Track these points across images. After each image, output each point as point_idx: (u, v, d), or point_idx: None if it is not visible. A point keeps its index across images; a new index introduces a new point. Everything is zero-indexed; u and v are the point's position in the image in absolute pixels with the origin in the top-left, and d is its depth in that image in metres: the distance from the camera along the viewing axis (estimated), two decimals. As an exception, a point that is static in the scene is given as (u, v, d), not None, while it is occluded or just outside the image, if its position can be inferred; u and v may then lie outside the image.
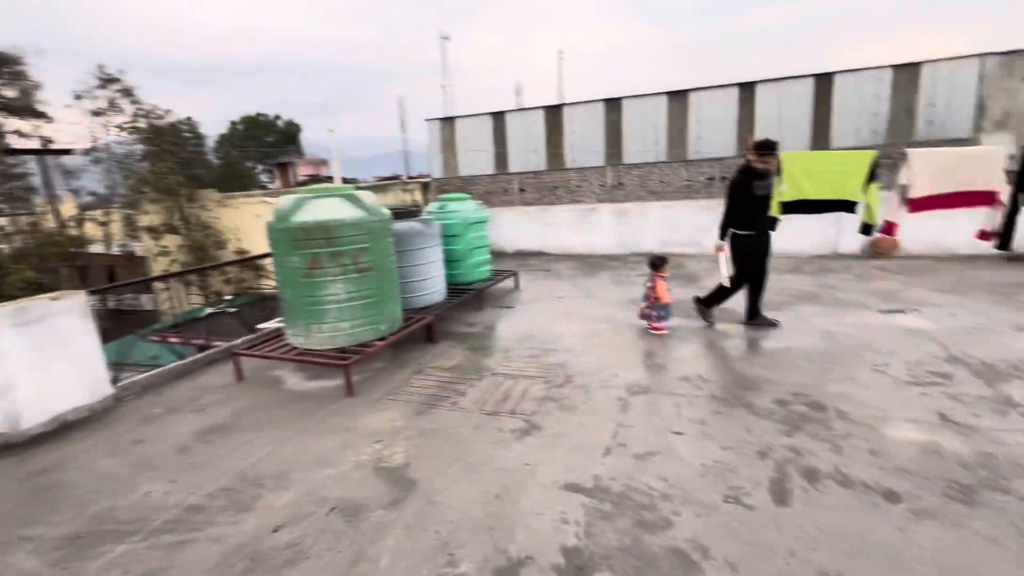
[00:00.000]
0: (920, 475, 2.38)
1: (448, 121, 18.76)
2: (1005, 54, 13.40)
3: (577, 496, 2.36)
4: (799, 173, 4.22)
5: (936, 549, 1.92)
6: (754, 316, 4.73)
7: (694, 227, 8.95)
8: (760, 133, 16.76)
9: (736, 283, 4.64)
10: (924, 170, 4.15)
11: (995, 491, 2.24)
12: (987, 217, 4.48)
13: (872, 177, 4.19)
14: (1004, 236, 4.36)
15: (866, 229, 4.48)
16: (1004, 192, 4.29)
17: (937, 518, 2.09)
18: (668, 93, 18.44)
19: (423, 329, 4.73)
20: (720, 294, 4.77)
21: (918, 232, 7.34)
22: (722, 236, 4.57)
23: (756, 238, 4.46)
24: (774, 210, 4.33)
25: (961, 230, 6.06)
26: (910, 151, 4.36)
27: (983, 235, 4.56)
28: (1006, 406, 3.00)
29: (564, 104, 20.11)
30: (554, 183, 20.82)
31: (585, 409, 3.25)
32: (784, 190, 4.24)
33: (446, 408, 3.39)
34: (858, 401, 3.15)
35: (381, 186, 18.93)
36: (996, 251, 6.96)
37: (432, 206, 6.29)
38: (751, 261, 4.56)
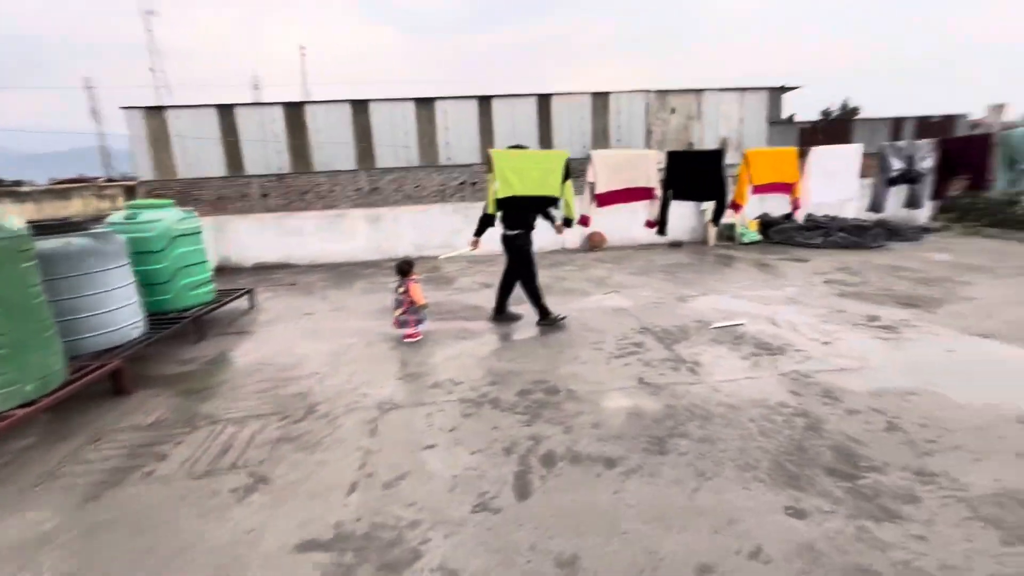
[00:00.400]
0: (628, 437, 2.76)
1: (156, 111, 15.31)
2: (659, 92, 17.78)
3: (312, 555, 1.98)
4: (509, 171, 4.49)
5: (640, 504, 2.20)
6: (545, 314, 4.84)
7: (449, 229, 9.25)
8: (498, 144, 18.47)
9: (510, 281, 4.88)
10: (603, 169, 4.96)
11: (677, 437, 2.74)
12: (649, 209, 5.51)
13: (567, 175, 4.60)
14: (661, 224, 5.51)
15: (566, 222, 4.87)
16: (658, 188, 5.40)
17: (640, 473, 2.42)
18: (416, 100, 18.77)
19: (106, 379, 3.56)
20: (503, 293, 4.95)
21: (616, 226, 9.05)
22: (478, 233, 4.78)
23: (525, 236, 4.71)
24: (490, 207, 4.56)
25: (641, 223, 7.67)
26: (592, 152, 5.19)
27: (649, 224, 5.58)
28: (678, 363, 3.79)
29: (307, 102, 18.58)
30: (303, 188, 19.15)
31: (328, 443, 2.85)
32: (497, 187, 4.47)
33: (136, 482, 2.55)
34: (583, 379, 3.57)
35: (60, 191, 14.33)
36: (664, 239, 8.98)
37: (116, 216, 4.87)
38: (526, 259, 4.77)
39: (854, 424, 2.82)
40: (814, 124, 19.29)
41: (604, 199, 5.01)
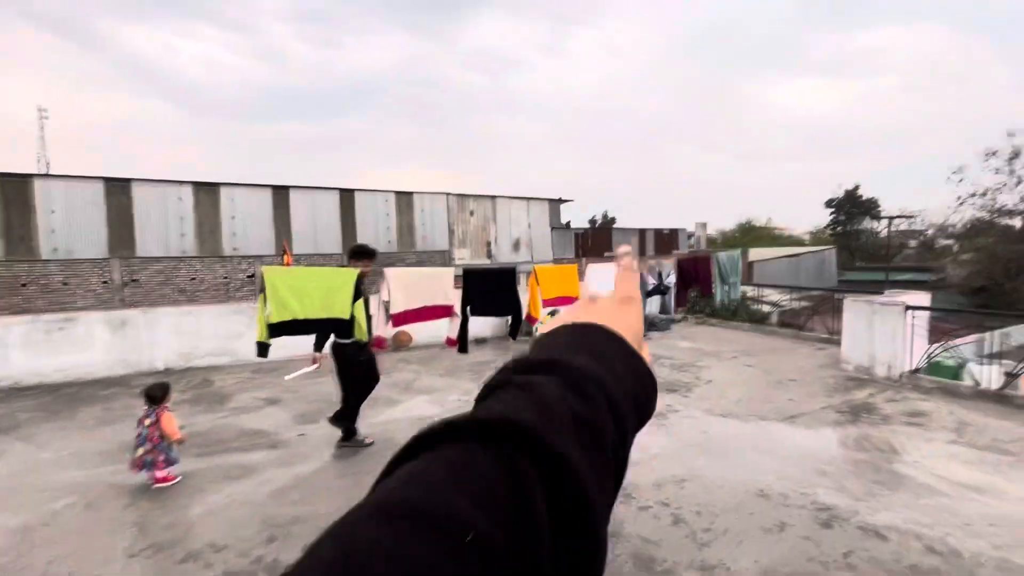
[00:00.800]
0: None
1: None
2: (459, 196, 19.29)
3: None
4: (286, 291, 3.98)
5: None
6: (351, 435, 4.26)
7: (227, 334, 7.91)
8: (296, 236, 17.39)
9: (349, 396, 4.24)
10: (398, 288, 4.60)
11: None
12: (449, 327, 5.30)
13: (359, 294, 4.18)
14: (462, 341, 5.34)
15: (359, 345, 4.32)
16: (457, 306, 5.12)
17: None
18: (195, 183, 16.72)
19: None
20: (345, 412, 4.25)
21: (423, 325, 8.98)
22: (318, 347, 4.10)
23: (362, 346, 4.21)
24: (260, 335, 3.96)
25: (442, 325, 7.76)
26: (387, 271, 4.76)
27: (450, 342, 5.33)
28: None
29: (36, 175, 15.06)
30: (23, 279, 14.71)
31: None
32: (270, 311, 3.89)
33: None
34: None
35: None
36: (469, 337, 9.18)
37: None
38: (359, 371, 4.24)
39: (647, 523, 2.99)
40: (585, 231, 23.10)
41: (400, 319, 4.67)
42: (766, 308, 13.14)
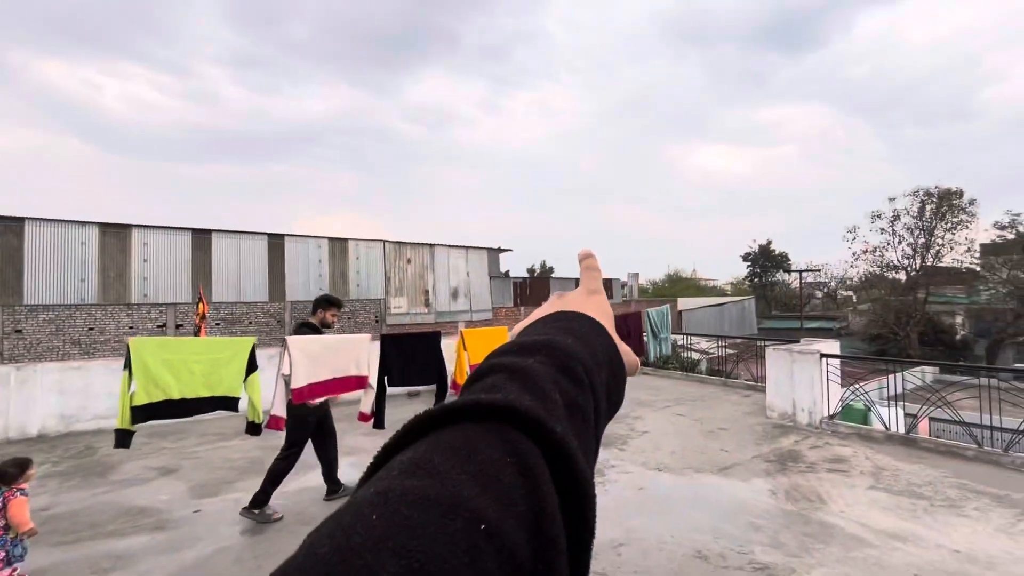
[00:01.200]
0: None
1: None
2: (396, 243, 18.99)
3: None
4: (158, 365, 3.41)
5: None
6: (260, 503, 3.83)
7: (120, 392, 6.98)
8: (218, 282, 16.28)
9: (289, 456, 3.95)
10: (301, 359, 3.84)
11: None
12: (363, 400, 4.55)
13: (252, 367, 3.76)
14: (378, 415, 4.69)
15: (253, 429, 3.87)
16: (372, 376, 4.46)
17: None
18: (103, 224, 15.38)
19: None
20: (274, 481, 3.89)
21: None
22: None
23: (316, 406, 3.99)
24: (122, 420, 3.40)
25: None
26: (288, 339, 3.99)
27: (363, 417, 4.60)
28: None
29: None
30: None
31: None
32: (135, 390, 3.35)
33: None
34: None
35: None
36: (402, 389, 8.73)
37: None
38: (305, 431, 4.01)
39: (582, 597, 2.76)
40: (524, 279, 23.35)
41: (303, 393, 3.87)
42: (695, 356, 13.61)
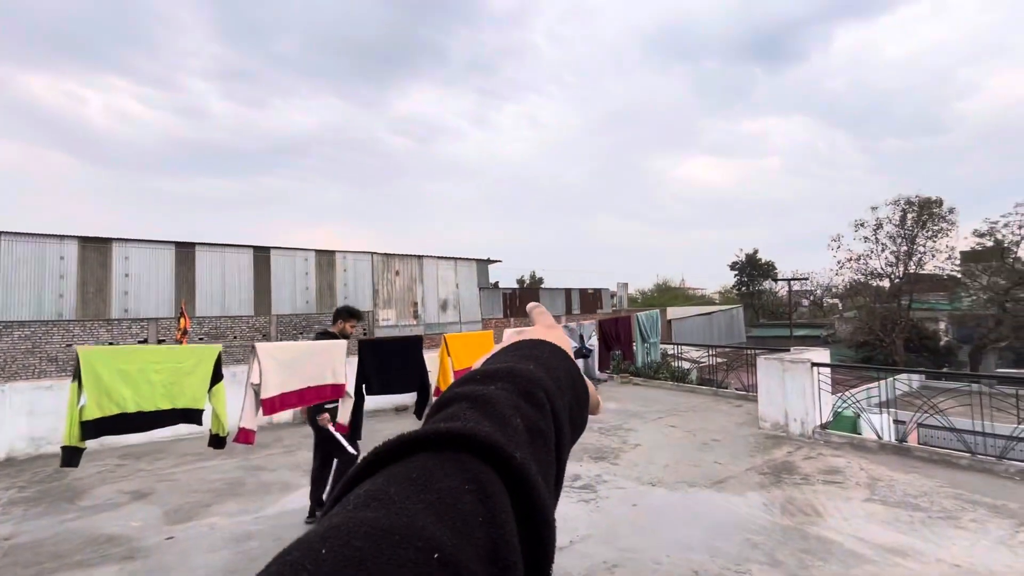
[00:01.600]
0: None
1: None
2: (384, 255, 18.82)
3: None
4: (111, 376, 3.18)
5: None
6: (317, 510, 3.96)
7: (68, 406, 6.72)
8: (202, 296, 15.98)
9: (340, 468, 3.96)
10: (271, 367, 3.62)
11: None
12: (341, 408, 4.19)
13: (218, 376, 3.54)
14: (355, 426, 4.24)
15: (217, 442, 3.65)
16: (349, 384, 4.24)
17: None
18: (82, 238, 15.06)
19: None
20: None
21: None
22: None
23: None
24: (70, 437, 3.14)
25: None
26: (258, 346, 3.77)
27: (339, 428, 4.20)
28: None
29: None
30: None
31: None
32: (85, 403, 3.11)
33: None
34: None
35: None
36: (391, 402, 8.52)
37: None
38: (325, 439, 4.00)
39: (575, 625, 2.63)
40: (513, 290, 23.26)
41: (274, 404, 3.64)
42: (686, 365, 13.57)
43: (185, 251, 16.03)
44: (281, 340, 15.52)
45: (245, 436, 3.55)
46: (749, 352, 10.87)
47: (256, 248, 16.85)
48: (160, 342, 15.93)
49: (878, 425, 6.26)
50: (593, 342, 6.56)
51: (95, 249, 15.23)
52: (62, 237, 14.73)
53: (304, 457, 5.96)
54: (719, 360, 11.84)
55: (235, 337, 15.70)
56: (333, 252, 17.97)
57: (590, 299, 25.13)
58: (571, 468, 5.24)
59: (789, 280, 29.50)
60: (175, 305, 15.78)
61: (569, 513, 4.07)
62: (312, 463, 4.12)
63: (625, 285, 31.63)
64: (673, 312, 27.71)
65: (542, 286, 33.80)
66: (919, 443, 6.62)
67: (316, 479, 4.04)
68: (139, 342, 15.62)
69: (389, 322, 18.35)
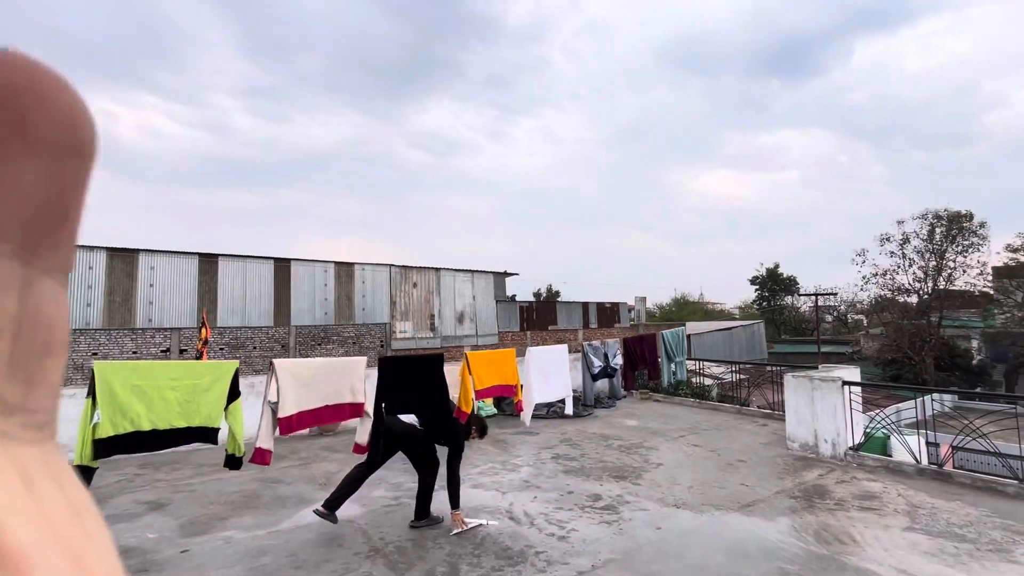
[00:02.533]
0: None
1: None
2: (401, 267, 18.93)
3: None
4: (127, 392, 3.14)
5: None
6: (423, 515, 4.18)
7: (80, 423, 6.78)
8: (223, 306, 16.23)
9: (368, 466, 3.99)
10: (290, 384, 3.59)
11: None
12: (360, 428, 4.19)
13: (234, 394, 3.49)
14: (373, 447, 4.06)
15: (233, 463, 3.61)
16: (368, 403, 4.16)
17: None
18: (110, 249, 15.47)
19: None
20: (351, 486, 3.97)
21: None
22: (455, 505, 4.14)
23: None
24: (81, 456, 3.08)
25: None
26: (276, 362, 3.73)
27: (358, 449, 4.21)
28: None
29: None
30: None
31: None
32: (99, 421, 3.08)
33: None
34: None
35: None
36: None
37: None
38: (376, 442, 4.02)
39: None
40: (530, 304, 23.15)
41: (292, 423, 3.60)
42: (707, 382, 13.26)
43: (208, 261, 16.34)
44: (300, 351, 15.64)
45: (261, 456, 3.52)
46: (773, 369, 10.55)
47: (277, 259, 17.10)
48: (182, 352, 16.18)
49: (914, 447, 5.97)
50: (618, 360, 6.39)
51: (122, 259, 15.62)
52: (92, 248, 15.15)
53: (321, 469, 5.91)
54: (741, 376, 11.54)
55: (255, 348, 15.87)
56: (352, 264, 18.13)
57: (608, 313, 24.87)
58: (591, 487, 5.08)
59: (815, 295, 28.80)
60: (197, 315, 16.05)
61: (591, 535, 3.92)
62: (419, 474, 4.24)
63: (643, 299, 31.26)
64: (692, 327, 27.24)
65: (559, 299, 33.60)
66: (955, 467, 6.29)
67: (354, 482, 4.02)
68: (162, 352, 15.88)
69: (406, 334, 18.37)
